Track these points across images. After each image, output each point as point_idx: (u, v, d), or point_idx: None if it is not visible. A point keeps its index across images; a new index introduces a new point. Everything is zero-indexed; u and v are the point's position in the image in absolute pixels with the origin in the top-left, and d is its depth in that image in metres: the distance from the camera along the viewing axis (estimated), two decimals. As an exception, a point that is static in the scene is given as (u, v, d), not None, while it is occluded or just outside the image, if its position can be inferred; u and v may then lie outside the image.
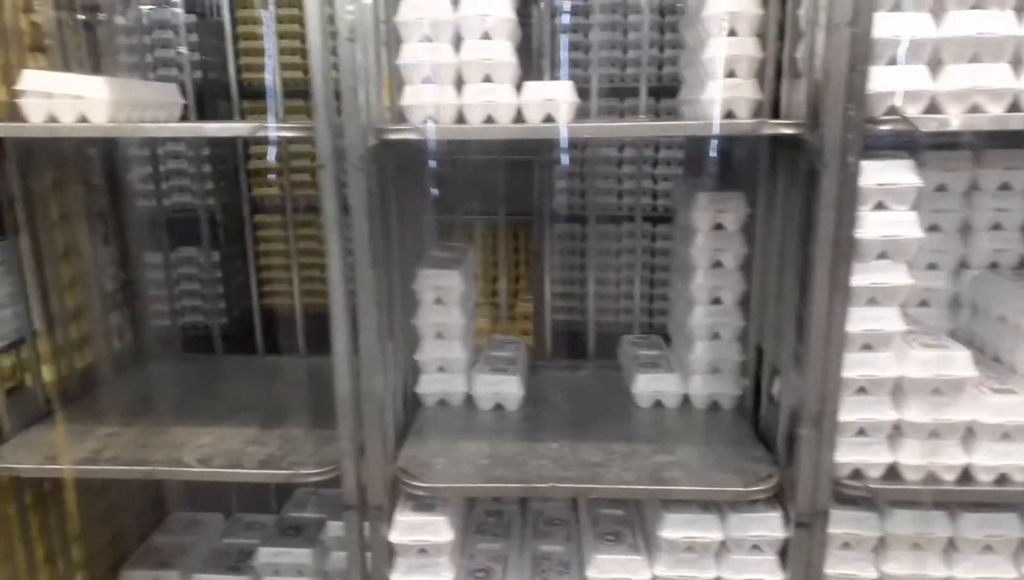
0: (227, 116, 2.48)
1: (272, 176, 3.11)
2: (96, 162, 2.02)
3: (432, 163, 1.89)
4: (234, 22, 2.59)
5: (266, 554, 1.86)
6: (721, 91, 1.43)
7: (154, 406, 1.88)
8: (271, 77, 2.47)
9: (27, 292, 1.76)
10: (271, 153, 2.66)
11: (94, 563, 1.98)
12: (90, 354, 2.00)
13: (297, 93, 2.68)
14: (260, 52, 2.65)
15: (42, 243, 1.80)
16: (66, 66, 1.82)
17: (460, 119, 1.44)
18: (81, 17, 1.92)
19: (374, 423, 1.44)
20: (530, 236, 2.95)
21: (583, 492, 1.42)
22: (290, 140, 1.40)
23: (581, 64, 2.89)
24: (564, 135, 1.43)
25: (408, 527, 1.48)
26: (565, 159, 2.62)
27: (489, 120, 1.45)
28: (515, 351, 1.92)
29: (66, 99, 1.48)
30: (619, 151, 3.05)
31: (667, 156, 3.04)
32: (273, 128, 1.34)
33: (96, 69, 1.92)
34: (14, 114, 1.61)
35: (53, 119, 1.49)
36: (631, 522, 1.63)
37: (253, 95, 2.92)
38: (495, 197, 2.58)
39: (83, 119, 1.49)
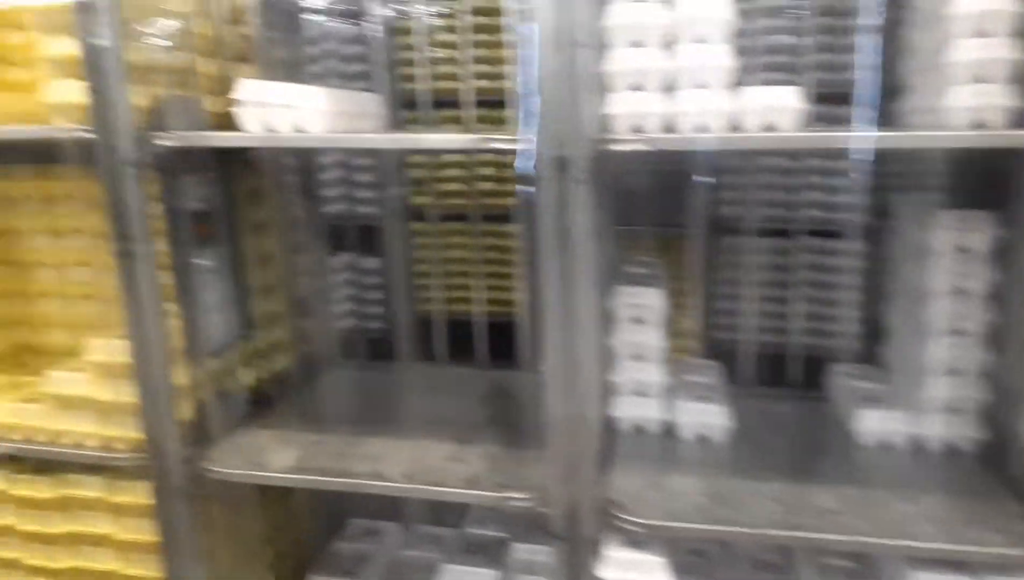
0: (411, 126, 2.50)
1: (458, 185, 3.12)
2: (286, 170, 2.06)
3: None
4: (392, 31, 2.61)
5: (451, 572, 1.82)
6: (970, 98, 1.27)
7: (346, 414, 1.88)
8: (469, 86, 2.46)
9: (234, 298, 1.81)
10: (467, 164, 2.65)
11: (280, 566, 2.01)
12: (283, 359, 2.04)
13: (483, 103, 2.68)
14: (447, 61, 2.65)
15: (243, 250, 1.85)
16: (267, 77, 1.86)
17: (668, 128, 1.35)
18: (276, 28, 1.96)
19: (585, 449, 1.36)
20: (691, 249, 2.80)
21: (828, 544, 1.28)
22: (504, 152, 1.34)
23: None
24: (797, 144, 1.31)
25: (621, 564, 1.38)
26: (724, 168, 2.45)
27: (701, 129, 1.35)
28: (713, 376, 1.79)
29: (282, 109, 1.50)
30: (792, 160, 2.83)
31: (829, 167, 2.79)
32: (496, 140, 1.29)
33: (293, 80, 1.96)
34: (223, 124, 1.66)
35: (269, 129, 1.51)
36: (862, 576, 1.48)
37: (438, 104, 2.94)
38: (653, 208, 2.45)
39: (299, 129, 1.50)
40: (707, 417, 1.63)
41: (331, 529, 2.26)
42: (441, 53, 2.66)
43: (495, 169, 2.73)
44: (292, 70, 1.99)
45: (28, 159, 2.02)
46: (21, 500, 1.76)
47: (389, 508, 2.29)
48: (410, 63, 2.68)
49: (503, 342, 2.36)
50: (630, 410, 1.67)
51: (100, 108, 1.44)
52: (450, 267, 3.22)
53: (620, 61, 1.38)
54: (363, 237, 2.53)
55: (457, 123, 2.56)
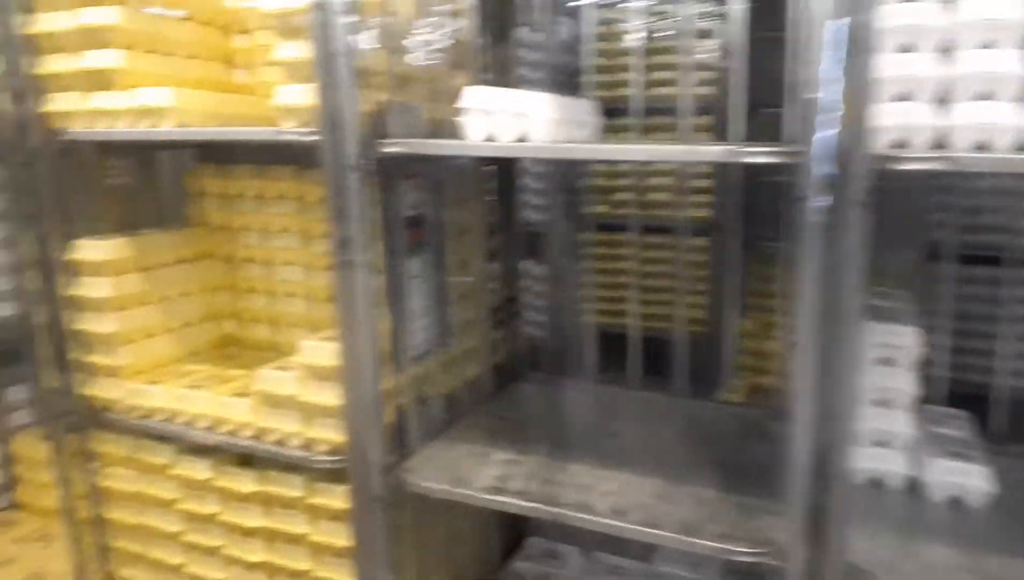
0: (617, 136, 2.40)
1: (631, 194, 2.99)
2: (485, 177, 2.01)
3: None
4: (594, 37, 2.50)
5: (645, 613, 1.69)
6: None
7: (539, 434, 1.80)
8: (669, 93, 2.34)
9: (436, 304, 1.77)
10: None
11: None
12: (474, 369, 1.99)
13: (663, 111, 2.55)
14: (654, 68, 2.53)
15: (445, 256, 1.80)
16: (480, 83, 1.80)
17: (938, 144, 1.16)
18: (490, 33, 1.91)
19: (833, 507, 1.20)
20: (935, 279, 2.53)
21: None
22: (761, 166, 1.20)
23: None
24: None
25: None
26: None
27: (982, 146, 1.15)
28: (964, 428, 1.56)
29: (508, 116, 1.43)
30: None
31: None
32: (752, 152, 1.15)
33: (503, 86, 1.90)
34: (436, 130, 1.62)
35: (492, 136, 1.44)
36: None
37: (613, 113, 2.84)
38: (895, 232, 2.20)
39: (522, 138, 1.42)
40: (963, 477, 1.41)
41: (508, 546, 2.19)
42: (632, 61, 2.56)
43: (675, 179, 2.60)
44: (502, 76, 1.93)
45: (245, 158, 2.08)
46: (225, 492, 1.79)
47: (569, 530, 2.19)
48: (611, 69, 2.59)
49: (688, 362, 2.23)
50: (870, 462, 1.48)
51: (329, 112, 1.42)
52: (621, 279, 3.09)
53: (889, 68, 1.21)
54: (534, 244, 2.46)
55: (662, 131, 2.44)
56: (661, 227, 2.59)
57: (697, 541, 1.30)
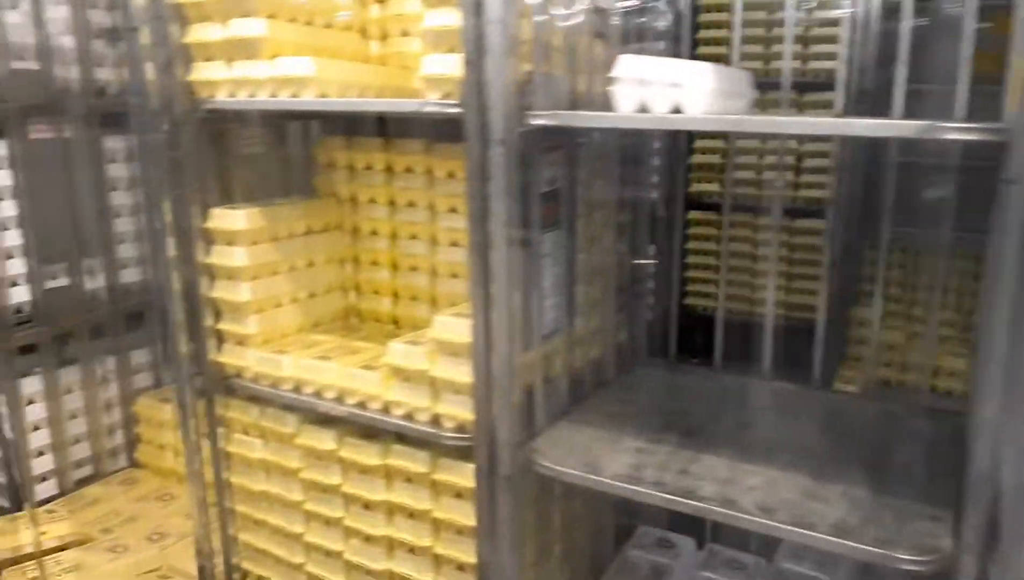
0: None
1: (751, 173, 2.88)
2: (619, 152, 1.94)
3: None
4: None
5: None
6: None
7: (665, 420, 1.74)
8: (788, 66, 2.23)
9: (565, 282, 1.73)
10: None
11: (570, 564, 1.93)
12: (597, 349, 1.94)
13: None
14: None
15: (575, 233, 1.75)
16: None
17: None
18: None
19: (1009, 517, 1.10)
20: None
21: None
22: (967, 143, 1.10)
23: None
24: None
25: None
26: None
27: None
28: None
29: (665, 87, 1.36)
30: None
31: None
32: (954, 129, 1.06)
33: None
34: (578, 101, 1.56)
35: (644, 108, 1.38)
36: None
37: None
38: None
39: (677, 109, 1.35)
40: None
41: (619, 533, 2.15)
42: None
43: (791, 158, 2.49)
44: (640, 46, 1.86)
45: (372, 131, 2.08)
46: (348, 463, 1.80)
47: (682, 519, 2.13)
48: (760, 41, 2.50)
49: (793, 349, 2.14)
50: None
51: (475, 83, 1.38)
52: (736, 262, 2.98)
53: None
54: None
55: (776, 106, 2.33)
56: (768, 209, 2.50)
57: (855, 545, 1.22)
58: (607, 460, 1.54)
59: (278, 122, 2.15)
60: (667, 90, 1.36)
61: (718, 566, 1.96)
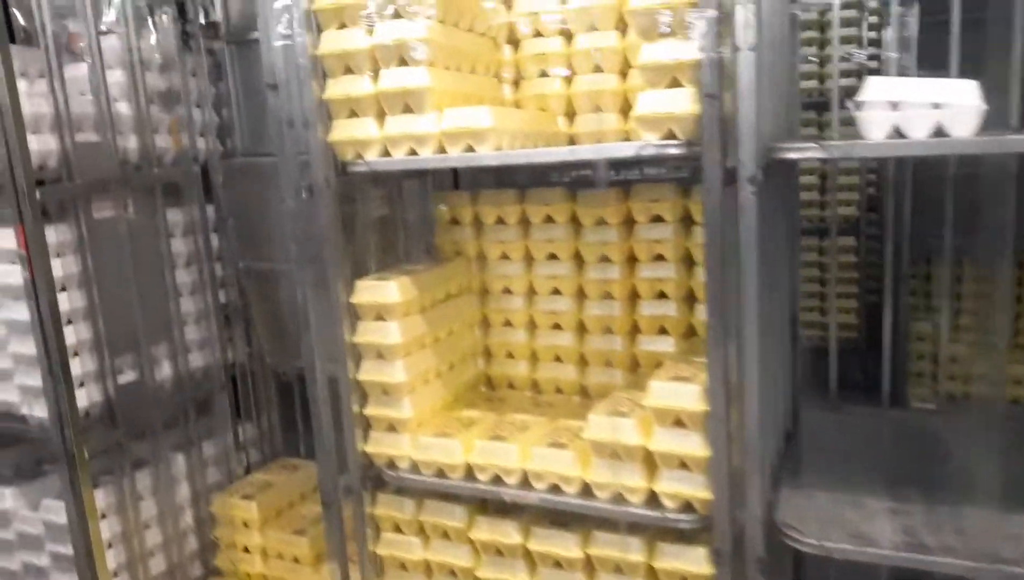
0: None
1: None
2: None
3: None
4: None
5: None
6: None
7: (883, 470, 1.59)
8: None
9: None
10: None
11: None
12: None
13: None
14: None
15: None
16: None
17: None
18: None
19: None
20: None
21: None
22: None
23: None
24: None
25: None
26: None
27: None
28: None
29: (925, 109, 1.23)
30: None
31: None
32: None
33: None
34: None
35: (899, 133, 1.25)
36: None
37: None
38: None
39: (941, 132, 1.23)
40: None
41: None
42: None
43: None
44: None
45: (487, 182, 1.91)
46: (540, 556, 1.60)
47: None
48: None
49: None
50: None
51: (715, 119, 1.23)
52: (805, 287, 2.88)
53: None
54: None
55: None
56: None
57: None
58: (867, 527, 1.37)
59: (396, 181, 1.96)
60: (930, 113, 1.23)
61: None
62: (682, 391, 1.40)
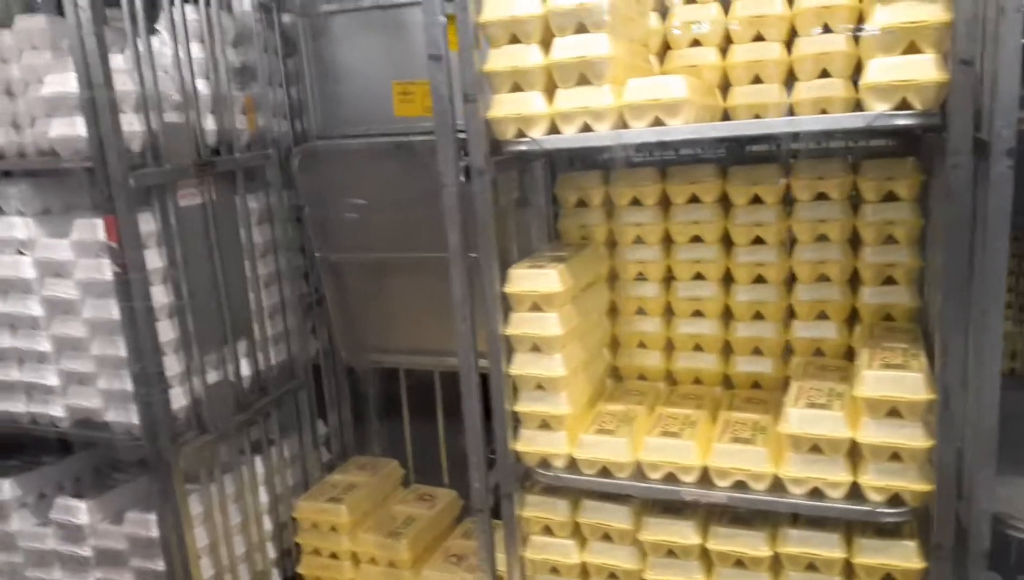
0: None
1: None
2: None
3: None
4: None
5: None
6: None
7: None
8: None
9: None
10: None
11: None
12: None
13: None
14: None
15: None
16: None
17: None
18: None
19: None
20: None
21: None
22: None
23: None
24: None
25: None
26: None
27: None
28: None
29: None
30: None
31: None
32: None
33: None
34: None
35: None
36: None
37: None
38: None
39: None
40: None
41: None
42: None
43: None
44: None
45: (602, 163, 1.79)
46: (721, 556, 1.50)
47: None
48: None
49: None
50: None
51: (966, 88, 1.14)
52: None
53: None
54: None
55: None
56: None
57: None
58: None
59: (525, 161, 1.83)
60: None
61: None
62: (902, 379, 1.31)
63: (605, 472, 1.54)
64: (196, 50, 1.99)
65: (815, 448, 1.39)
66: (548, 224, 1.90)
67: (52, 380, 1.97)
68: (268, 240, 2.25)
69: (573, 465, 1.57)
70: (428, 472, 2.52)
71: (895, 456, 1.34)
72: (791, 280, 1.68)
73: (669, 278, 1.78)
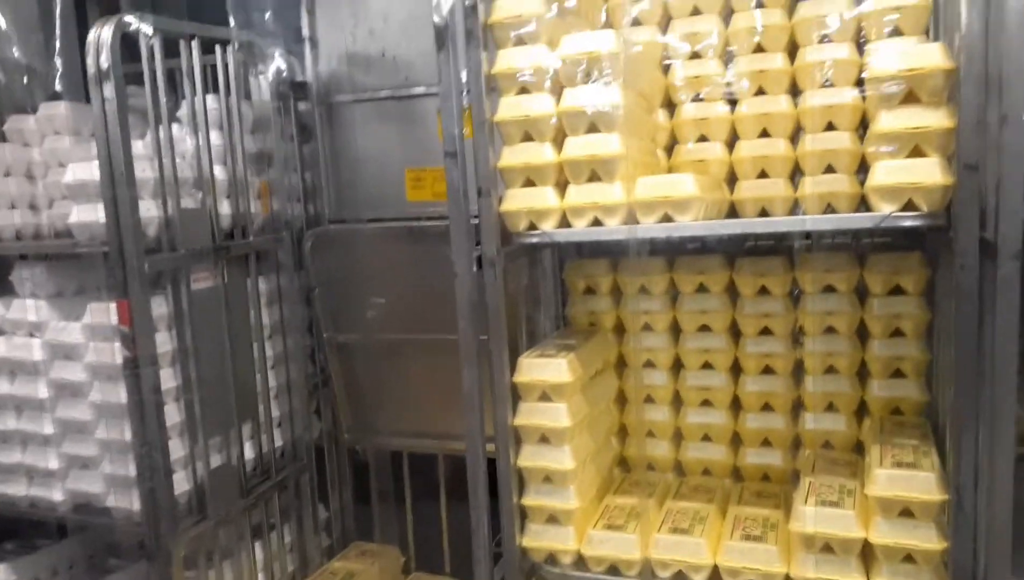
0: None
1: None
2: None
3: None
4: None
5: None
6: None
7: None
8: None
9: None
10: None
11: None
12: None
13: None
14: None
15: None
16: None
17: None
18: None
19: None
20: None
21: None
22: None
23: None
24: None
25: None
26: None
27: None
28: None
29: None
30: None
31: None
32: None
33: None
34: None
35: None
36: None
37: None
38: None
39: None
40: None
41: None
42: None
43: None
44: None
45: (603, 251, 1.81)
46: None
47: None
48: None
49: None
50: None
51: (972, 192, 1.16)
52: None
53: None
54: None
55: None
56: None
57: None
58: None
59: (534, 250, 1.85)
60: None
61: None
62: (914, 478, 1.29)
63: (614, 570, 1.51)
64: (215, 137, 2.04)
65: (827, 547, 1.36)
66: (557, 310, 1.90)
67: (53, 463, 1.96)
68: (277, 321, 2.26)
69: (581, 561, 1.54)
70: (430, 559, 2.46)
71: (908, 558, 1.31)
72: (799, 371, 1.67)
73: (678, 366, 1.78)
